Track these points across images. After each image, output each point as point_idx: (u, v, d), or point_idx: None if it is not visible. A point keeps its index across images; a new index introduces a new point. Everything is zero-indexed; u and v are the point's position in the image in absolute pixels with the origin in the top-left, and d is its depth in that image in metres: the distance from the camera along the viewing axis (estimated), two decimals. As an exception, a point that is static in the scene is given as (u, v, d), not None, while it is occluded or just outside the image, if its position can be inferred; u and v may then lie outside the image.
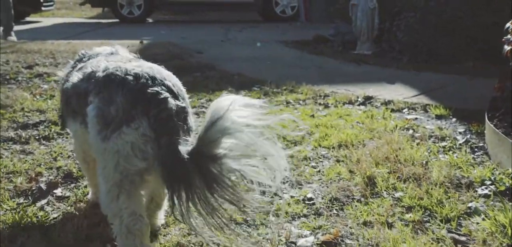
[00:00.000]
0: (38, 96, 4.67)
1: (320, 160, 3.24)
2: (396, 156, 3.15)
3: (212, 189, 1.79)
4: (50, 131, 3.61)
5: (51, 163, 2.98)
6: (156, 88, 1.89)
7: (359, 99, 4.85)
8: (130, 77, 1.92)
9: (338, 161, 3.21)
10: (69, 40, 9.39)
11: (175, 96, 1.93)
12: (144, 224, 1.96)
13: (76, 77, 2.14)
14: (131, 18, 13.71)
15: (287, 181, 2.84)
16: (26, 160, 3.01)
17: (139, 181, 1.91)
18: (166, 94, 1.89)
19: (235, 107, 1.77)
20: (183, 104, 1.95)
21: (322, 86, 5.41)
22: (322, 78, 6.04)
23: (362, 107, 4.62)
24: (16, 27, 10.32)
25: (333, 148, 3.44)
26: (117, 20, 13.92)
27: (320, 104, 4.69)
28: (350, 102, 4.77)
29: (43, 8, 14.69)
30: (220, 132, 1.75)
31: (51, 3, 15.52)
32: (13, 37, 9.13)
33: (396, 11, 7.75)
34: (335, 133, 3.72)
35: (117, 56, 2.27)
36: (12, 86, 5.19)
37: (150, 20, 14.69)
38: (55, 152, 3.17)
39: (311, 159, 3.25)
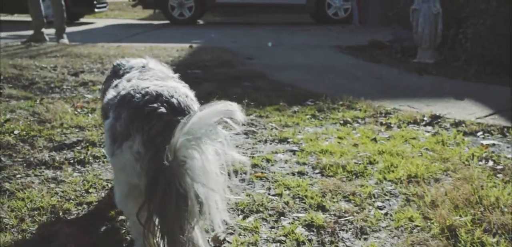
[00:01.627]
0: (79, 110, 4.43)
1: (387, 198, 2.79)
2: (479, 198, 2.67)
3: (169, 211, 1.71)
4: (86, 153, 3.32)
5: (82, 196, 2.68)
6: (154, 105, 1.87)
7: (425, 119, 4.35)
8: (138, 95, 1.93)
9: (408, 200, 2.75)
10: (119, 42, 9.28)
11: (178, 112, 1.88)
12: None
13: (110, 93, 2.17)
14: (181, 20, 13.57)
15: (350, 229, 2.43)
16: (55, 192, 2.71)
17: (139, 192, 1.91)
18: (162, 110, 1.86)
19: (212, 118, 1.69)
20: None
21: (382, 102, 4.93)
22: (381, 91, 5.55)
23: (429, 128, 4.12)
24: (70, 29, 10.34)
25: (401, 182, 2.98)
26: (167, 21, 13.82)
27: (381, 124, 4.22)
28: (415, 122, 4.28)
29: (96, 10, 14.82)
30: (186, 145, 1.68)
31: (104, 4, 15.66)
32: (65, 40, 9.09)
33: (463, 17, 7.11)
34: (402, 162, 3.25)
35: (149, 72, 2.28)
36: (55, 96, 4.99)
37: (201, 22, 14.51)
38: (88, 182, 2.86)
39: (376, 196, 2.80)
